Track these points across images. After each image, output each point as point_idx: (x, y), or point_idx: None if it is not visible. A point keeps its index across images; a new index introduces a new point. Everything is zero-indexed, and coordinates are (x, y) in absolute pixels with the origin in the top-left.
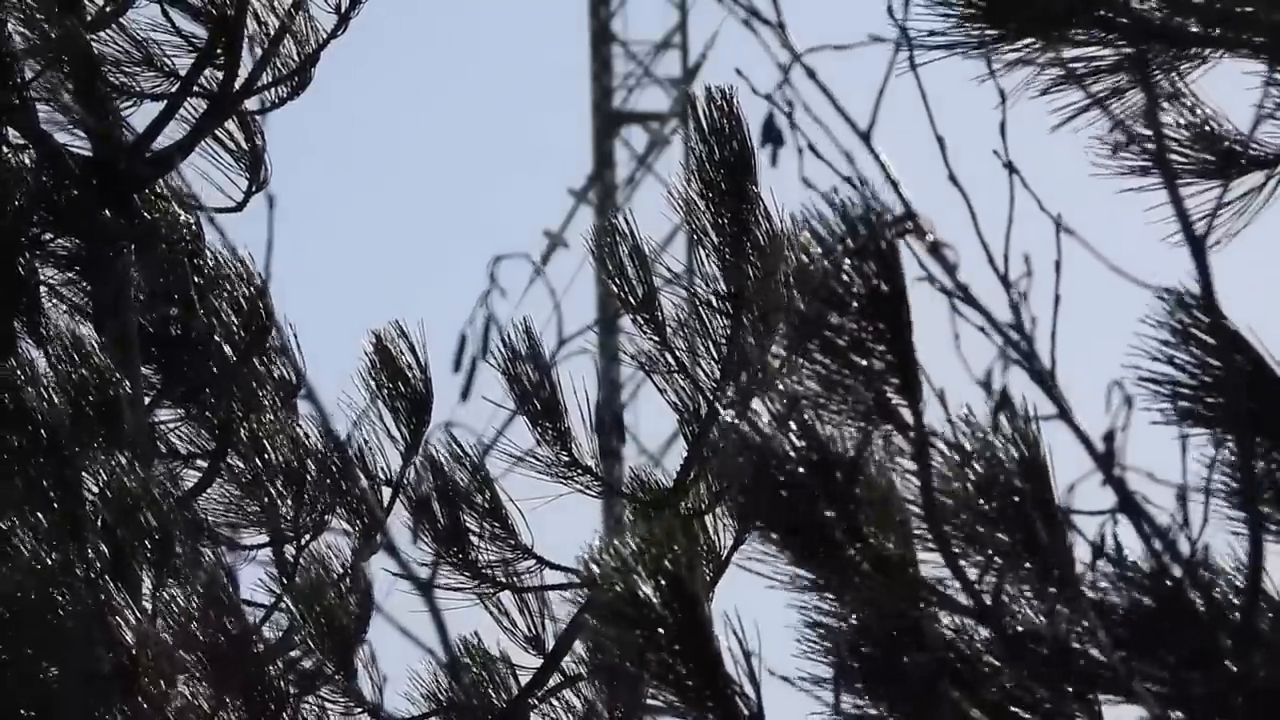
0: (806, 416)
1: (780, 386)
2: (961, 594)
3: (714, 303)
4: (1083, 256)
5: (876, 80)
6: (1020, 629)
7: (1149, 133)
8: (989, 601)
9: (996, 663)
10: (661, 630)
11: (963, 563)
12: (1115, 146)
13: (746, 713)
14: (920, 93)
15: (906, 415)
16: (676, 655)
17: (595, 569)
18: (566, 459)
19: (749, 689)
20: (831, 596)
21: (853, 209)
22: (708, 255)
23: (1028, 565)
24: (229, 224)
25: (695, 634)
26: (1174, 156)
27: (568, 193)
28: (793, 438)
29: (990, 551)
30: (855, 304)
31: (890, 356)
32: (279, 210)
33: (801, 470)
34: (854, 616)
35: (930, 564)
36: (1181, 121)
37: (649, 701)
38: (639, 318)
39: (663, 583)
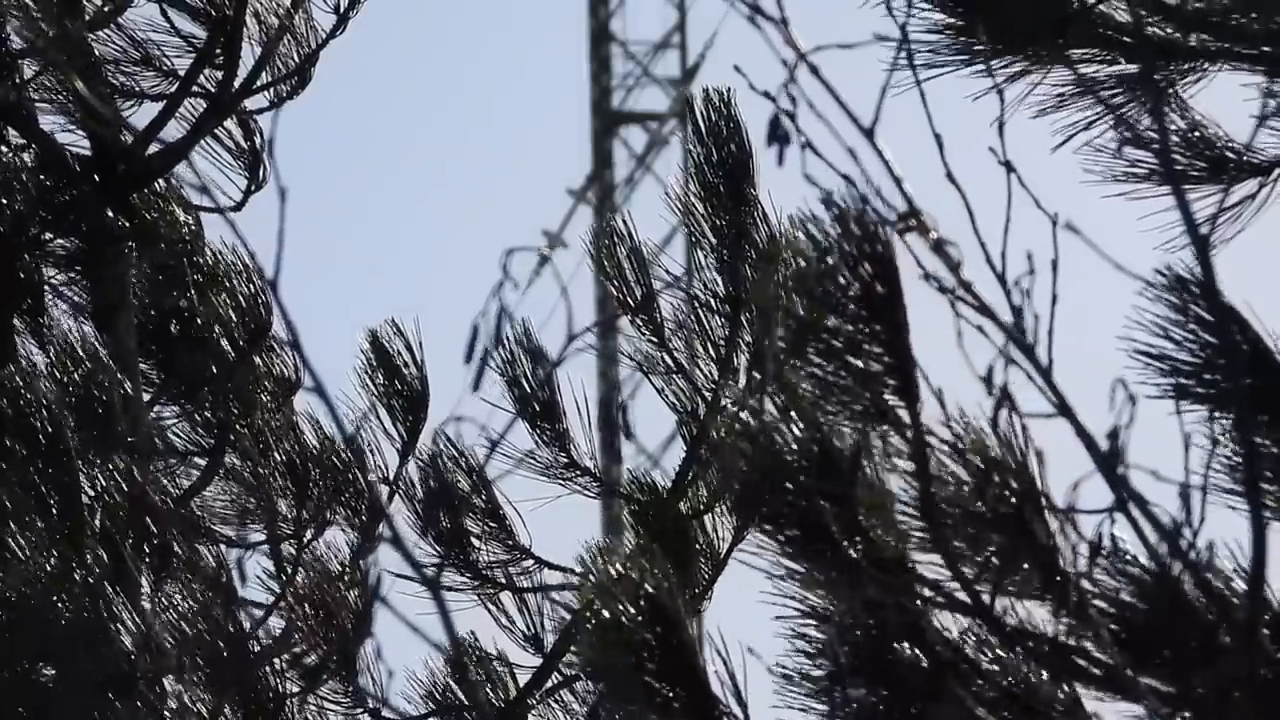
0: (806, 415)
1: (780, 386)
2: (960, 593)
3: (712, 304)
4: (1082, 258)
5: (879, 76)
6: (1018, 626)
7: (1150, 139)
8: (986, 599)
9: (995, 665)
10: (645, 653)
11: (961, 561)
12: (1116, 154)
13: None
14: (920, 94)
15: (904, 416)
16: (661, 677)
17: (585, 582)
18: (565, 460)
19: (735, 708)
20: (828, 594)
21: (849, 210)
22: (706, 257)
23: (1025, 565)
24: (233, 222)
25: (680, 655)
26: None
27: (566, 193)
28: (793, 434)
29: (988, 549)
30: (851, 306)
31: (887, 358)
32: (275, 207)
33: (801, 467)
34: (850, 616)
35: (928, 563)
36: (1175, 129)
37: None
38: (638, 319)
39: (645, 606)
